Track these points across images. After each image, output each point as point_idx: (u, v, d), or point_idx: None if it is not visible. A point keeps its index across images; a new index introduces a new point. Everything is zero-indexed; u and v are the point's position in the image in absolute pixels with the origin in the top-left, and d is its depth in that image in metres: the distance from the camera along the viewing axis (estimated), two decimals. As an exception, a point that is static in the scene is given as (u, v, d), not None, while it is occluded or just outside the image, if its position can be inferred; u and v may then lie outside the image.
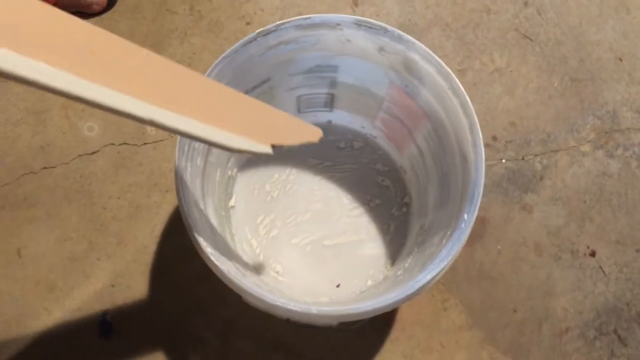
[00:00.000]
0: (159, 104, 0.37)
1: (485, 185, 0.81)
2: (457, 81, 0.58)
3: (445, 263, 0.51)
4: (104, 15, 0.92)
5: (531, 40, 0.91)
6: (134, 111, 0.35)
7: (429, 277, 0.51)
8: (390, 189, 0.76)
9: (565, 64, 0.90)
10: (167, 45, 0.89)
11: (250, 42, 0.60)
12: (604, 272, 0.77)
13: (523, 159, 0.83)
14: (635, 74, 0.89)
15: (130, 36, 0.89)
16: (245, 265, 0.68)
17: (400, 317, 0.74)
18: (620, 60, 0.90)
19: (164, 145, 0.82)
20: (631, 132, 0.86)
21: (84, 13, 0.91)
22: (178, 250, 0.76)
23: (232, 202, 0.74)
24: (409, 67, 0.62)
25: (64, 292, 0.74)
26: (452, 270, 0.76)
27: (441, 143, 0.64)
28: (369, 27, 0.61)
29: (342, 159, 0.77)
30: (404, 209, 0.75)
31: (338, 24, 0.61)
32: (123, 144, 0.82)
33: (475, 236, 0.78)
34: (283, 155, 0.77)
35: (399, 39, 0.60)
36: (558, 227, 0.79)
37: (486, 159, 0.82)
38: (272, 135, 0.49)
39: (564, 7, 0.94)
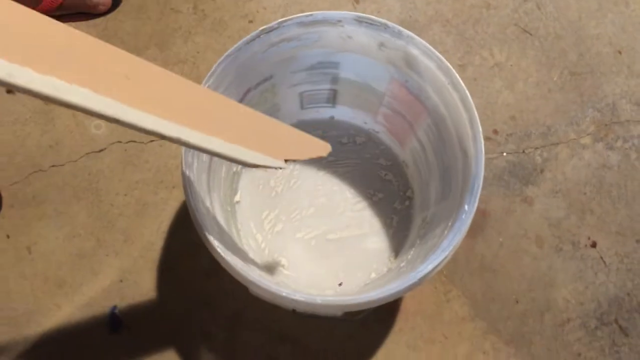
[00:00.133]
0: (186, 124, 0.40)
1: (486, 178, 0.82)
2: (457, 76, 0.59)
3: (446, 253, 0.52)
4: (109, 16, 0.93)
5: (531, 34, 0.92)
6: (166, 132, 0.38)
7: (430, 267, 0.52)
8: (393, 183, 0.77)
9: (565, 57, 0.91)
10: (171, 45, 0.90)
11: (253, 39, 0.61)
12: (604, 262, 0.78)
13: (524, 152, 0.84)
14: (634, 66, 0.90)
15: (135, 36, 0.91)
16: (251, 259, 0.69)
17: (403, 309, 0.75)
18: (620, 53, 0.91)
19: (169, 143, 0.83)
20: (630, 125, 0.86)
21: (89, 14, 0.92)
22: (185, 246, 0.77)
23: (237, 198, 0.75)
24: (410, 63, 0.63)
25: (73, 288, 0.76)
26: (455, 262, 0.77)
27: (442, 137, 0.65)
28: (370, 24, 0.62)
29: (345, 154, 0.79)
30: (407, 203, 0.76)
31: (339, 21, 0.62)
32: (130, 141, 0.83)
33: (477, 229, 0.79)
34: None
35: (399, 35, 0.61)
36: (559, 219, 0.80)
37: (487, 153, 0.84)
38: (285, 150, 0.52)
39: (563, 2, 0.95)
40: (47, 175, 0.81)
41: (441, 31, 0.92)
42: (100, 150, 0.83)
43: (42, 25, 0.32)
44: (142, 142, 0.83)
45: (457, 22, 0.93)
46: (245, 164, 0.48)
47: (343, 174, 0.77)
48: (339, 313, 0.54)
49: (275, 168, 0.51)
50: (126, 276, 0.76)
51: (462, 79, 0.59)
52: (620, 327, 0.75)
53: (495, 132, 0.85)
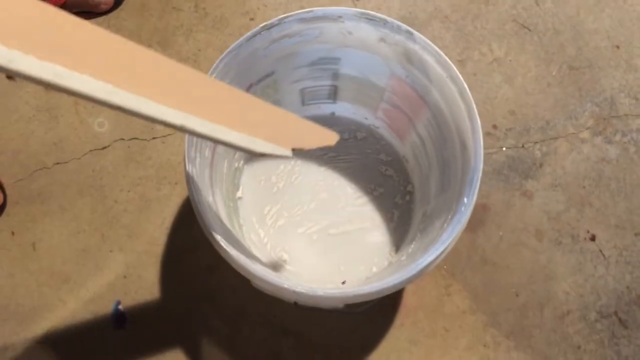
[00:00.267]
0: (189, 111, 0.40)
1: (486, 173, 0.83)
2: (456, 70, 0.59)
3: (446, 245, 0.53)
4: (111, 14, 0.94)
5: (529, 30, 0.93)
6: (169, 119, 0.38)
7: (430, 259, 0.52)
8: (394, 178, 0.78)
9: (563, 52, 0.91)
10: (172, 42, 0.91)
11: (254, 36, 0.61)
12: (604, 255, 0.79)
13: (523, 146, 0.85)
14: (632, 61, 0.91)
15: (137, 34, 0.92)
16: (253, 254, 0.70)
17: (405, 303, 0.75)
18: (618, 48, 0.92)
19: (172, 139, 0.84)
20: (629, 118, 0.87)
21: (91, 12, 0.93)
22: (188, 242, 0.78)
23: (239, 194, 0.76)
24: (409, 58, 0.64)
25: (78, 284, 0.76)
26: (455, 256, 0.78)
27: (441, 131, 0.65)
28: (370, 19, 0.63)
29: (346, 149, 0.79)
30: (407, 197, 0.77)
31: (340, 17, 0.63)
32: (133, 138, 0.84)
33: (477, 223, 0.80)
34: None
35: (399, 30, 0.62)
36: (558, 213, 0.81)
37: (487, 147, 0.84)
38: (292, 139, 0.51)
39: (561, -3, 0.96)
40: (51, 173, 0.82)
41: (440, 27, 0.93)
42: (104, 148, 0.84)
43: (44, 12, 0.31)
44: (145, 140, 0.84)
45: (456, 18, 0.93)
46: (252, 153, 0.47)
47: (344, 169, 0.78)
48: (341, 305, 0.55)
49: (283, 157, 0.51)
50: (130, 271, 0.77)
51: (461, 74, 0.60)
52: (619, 319, 0.76)
53: (495, 127, 0.86)
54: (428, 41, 0.61)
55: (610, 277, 0.78)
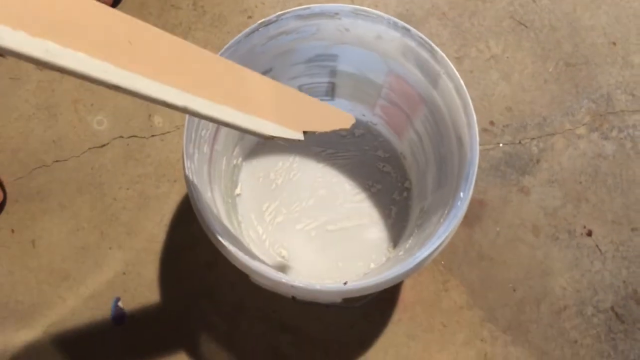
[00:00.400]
0: (194, 92, 0.38)
1: (483, 169, 0.83)
2: (452, 65, 0.60)
3: (442, 239, 0.53)
4: (109, 13, 0.94)
5: (526, 27, 0.93)
6: (169, 99, 0.36)
7: (427, 252, 0.53)
8: (391, 174, 0.78)
9: (560, 49, 0.92)
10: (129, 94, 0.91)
11: (252, 32, 0.62)
12: (600, 251, 0.79)
13: (520, 142, 0.85)
14: (629, 57, 0.91)
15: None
16: (251, 250, 0.70)
17: (403, 298, 0.76)
18: (614, 44, 0.92)
19: (171, 137, 0.84)
20: (625, 115, 0.87)
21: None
22: (186, 239, 0.79)
23: (238, 190, 0.76)
24: (406, 54, 0.64)
25: (77, 281, 0.77)
26: (453, 252, 0.78)
27: (438, 127, 0.66)
28: (366, 16, 0.63)
29: (344, 146, 0.80)
30: (405, 194, 0.77)
31: (337, 13, 0.63)
32: (132, 136, 0.84)
33: (475, 218, 0.80)
34: (286, 144, 0.79)
35: (395, 27, 0.62)
36: (555, 208, 0.81)
37: (484, 144, 0.85)
38: (304, 121, 0.50)
39: (558, -6, 0.96)
40: (50, 170, 0.82)
41: (438, 24, 0.93)
42: (103, 146, 0.84)
43: None
44: (144, 137, 0.85)
45: (454, 15, 0.94)
46: (261, 136, 0.45)
47: (342, 166, 0.78)
48: (339, 300, 0.55)
49: (293, 140, 0.48)
50: (129, 268, 0.77)
51: (458, 71, 0.60)
52: (616, 314, 0.76)
53: (492, 123, 0.86)
54: (425, 38, 0.61)
55: (606, 272, 0.78)
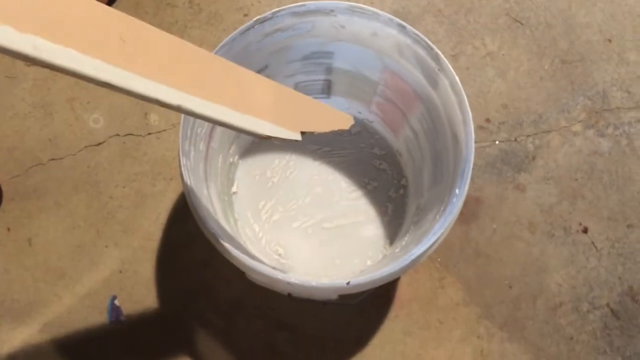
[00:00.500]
0: (188, 90, 0.37)
1: (480, 166, 0.83)
2: (447, 62, 0.60)
3: (438, 235, 0.54)
4: (105, 11, 0.94)
5: (522, 24, 0.93)
6: (163, 98, 0.36)
7: (422, 249, 0.53)
8: (388, 172, 0.78)
9: (556, 46, 0.92)
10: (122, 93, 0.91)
11: (248, 29, 0.62)
12: (596, 247, 0.79)
13: (516, 140, 0.86)
14: (624, 54, 0.91)
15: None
16: (248, 248, 0.70)
17: (399, 295, 0.76)
18: (609, 41, 0.92)
19: (167, 135, 0.84)
20: (621, 112, 0.88)
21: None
22: (183, 236, 0.79)
23: (234, 188, 0.76)
24: (401, 51, 0.64)
25: (73, 279, 0.77)
26: (449, 249, 0.78)
27: (434, 123, 0.66)
28: (362, 13, 0.63)
29: (340, 144, 0.80)
30: (401, 191, 0.77)
31: (332, 10, 0.63)
32: (128, 134, 0.84)
33: (471, 216, 0.80)
34: (283, 143, 0.79)
35: (390, 23, 0.62)
36: (551, 205, 0.81)
37: (480, 141, 0.85)
38: (302, 122, 0.49)
39: (553, -9, 0.96)
40: (46, 169, 0.82)
41: (434, 21, 0.93)
42: (99, 144, 0.84)
43: None
44: (140, 135, 0.84)
45: (450, 12, 0.94)
46: (257, 136, 0.45)
47: (338, 163, 0.79)
48: (334, 296, 0.55)
49: (290, 140, 0.47)
50: (126, 266, 0.77)
51: (454, 68, 0.60)
52: (611, 310, 0.76)
53: (488, 120, 0.86)
54: (420, 34, 0.61)
55: (602, 268, 0.78)
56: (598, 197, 0.82)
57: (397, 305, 0.76)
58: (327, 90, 0.78)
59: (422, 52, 0.62)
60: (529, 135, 0.86)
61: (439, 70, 0.61)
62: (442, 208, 0.58)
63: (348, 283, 0.52)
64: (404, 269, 0.53)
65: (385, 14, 0.62)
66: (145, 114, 0.86)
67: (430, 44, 0.61)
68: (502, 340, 0.74)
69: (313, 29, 0.66)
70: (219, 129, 0.67)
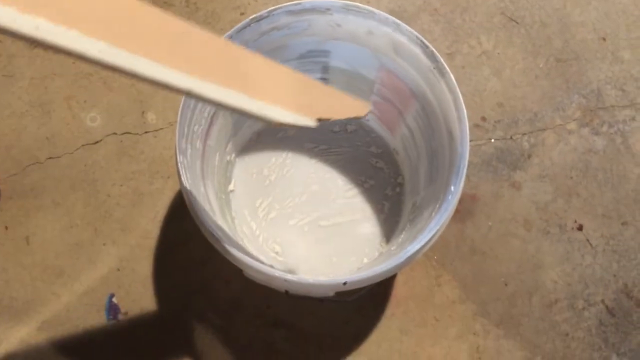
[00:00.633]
0: (199, 74, 0.36)
1: (475, 164, 0.84)
2: (442, 60, 0.60)
3: (433, 233, 0.54)
4: (102, 10, 0.94)
5: (517, 23, 0.94)
6: (171, 82, 0.34)
7: (418, 246, 0.54)
8: (384, 170, 0.79)
9: (551, 45, 0.92)
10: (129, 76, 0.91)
11: (244, 28, 0.62)
12: (591, 245, 0.80)
13: (511, 138, 0.86)
14: (619, 53, 0.92)
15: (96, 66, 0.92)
16: (245, 246, 0.71)
17: (396, 293, 0.76)
18: (604, 40, 0.93)
19: (164, 133, 0.85)
20: (615, 110, 0.88)
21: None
22: (180, 235, 0.79)
23: (231, 187, 0.77)
24: (397, 49, 0.65)
25: (71, 278, 0.77)
26: (445, 247, 0.79)
27: (429, 121, 0.66)
28: (358, 11, 0.64)
29: (337, 142, 0.80)
30: (397, 189, 0.78)
31: (328, 9, 0.64)
32: (125, 133, 0.85)
33: (466, 214, 0.81)
34: (280, 140, 0.80)
35: (386, 22, 0.63)
36: (546, 203, 0.82)
37: (475, 139, 0.85)
38: (317, 108, 0.47)
39: (549, -10, 0.97)
40: (44, 167, 0.83)
41: (430, 20, 0.94)
42: (96, 142, 0.84)
43: None
44: (137, 134, 0.85)
45: (445, 11, 0.94)
46: (271, 122, 0.43)
47: (335, 161, 0.79)
48: (331, 293, 0.56)
49: (305, 127, 0.46)
50: (123, 265, 0.77)
51: (450, 67, 0.61)
52: (606, 307, 0.77)
53: (484, 119, 0.87)
54: (415, 33, 0.62)
55: (597, 265, 0.79)
56: (593, 194, 0.83)
57: (393, 303, 0.76)
58: (323, 88, 0.78)
59: (417, 51, 0.63)
60: (525, 134, 0.86)
61: (434, 68, 0.62)
62: (437, 206, 0.59)
63: (345, 283, 0.53)
64: (400, 266, 0.53)
65: (381, 12, 0.63)
66: (143, 112, 0.86)
67: (426, 42, 0.61)
68: (497, 337, 0.75)
69: (309, 28, 0.67)
70: (215, 126, 0.67)
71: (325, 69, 0.74)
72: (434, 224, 0.55)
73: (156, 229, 0.79)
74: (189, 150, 0.60)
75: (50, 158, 0.83)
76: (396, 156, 0.79)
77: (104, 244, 0.78)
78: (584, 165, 0.84)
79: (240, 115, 0.42)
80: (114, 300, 0.76)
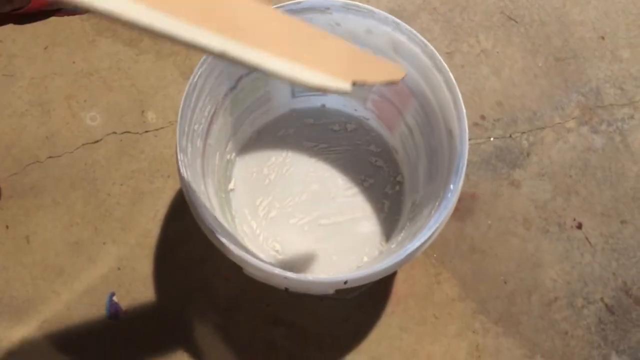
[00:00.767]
0: (233, 36, 0.35)
1: (475, 163, 0.84)
2: (441, 59, 0.61)
3: (433, 230, 0.54)
4: (102, 10, 0.94)
5: (516, 22, 0.94)
6: (207, 44, 0.34)
7: (417, 244, 0.54)
8: (384, 169, 0.79)
9: (550, 44, 0.93)
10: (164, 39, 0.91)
11: (243, 27, 0.62)
12: (590, 243, 0.80)
13: (510, 136, 0.86)
14: (617, 52, 0.92)
15: (130, 30, 0.92)
16: (245, 244, 0.71)
17: (396, 291, 0.77)
18: (603, 38, 0.93)
19: (164, 133, 0.85)
20: (614, 108, 0.89)
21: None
22: (180, 234, 0.79)
23: (231, 186, 0.77)
24: (396, 48, 0.65)
25: (71, 276, 0.77)
26: (445, 245, 0.79)
27: (428, 120, 0.67)
28: (357, 10, 0.64)
29: (337, 141, 0.80)
30: (397, 188, 0.78)
31: (327, 8, 0.64)
32: (125, 132, 0.85)
33: (466, 212, 0.81)
34: (280, 139, 0.80)
35: (385, 21, 0.63)
36: (545, 201, 0.82)
37: (475, 138, 0.86)
38: (352, 71, 0.45)
39: (548, -10, 0.97)
40: (44, 167, 0.83)
41: (429, 19, 0.94)
42: (96, 142, 0.84)
43: None
44: (137, 133, 0.85)
45: (445, 10, 0.95)
46: (306, 86, 0.41)
47: (335, 160, 0.79)
48: (331, 291, 0.56)
49: (340, 92, 0.44)
50: (124, 263, 0.78)
51: (449, 66, 0.61)
52: (606, 305, 0.77)
53: (483, 117, 0.87)
54: (414, 32, 0.62)
55: (596, 264, 0.79)
56: (592, 193, 0.83)
57: (393, 301, 0.76)
58: (323, 87, 0.78)
59: (417, 50, 0.63)
60: (524, 132, 0.86)
61: (433, 67, 0.62)
62: (437, 204, 0.59)
63: (346, 281, 0.53)
64: (400, 264, 0.54)
65: (381, 11, 0.63)
66: (142, 111, 0.86)
67: (425, 41, 0.61)
68: (497, 335, 0.75)
69: (309, 27, 0.67)
70: (216, 125, 0.67)
71: (325, 67, 0.74)
72: (434, 222, 0.55)
73: (156, 227, 0.80)
74: (190, 149, 0.60)
75: (50, 157, 0.83)
76: (396, 155, 0.79)
77: (104, 243, 0.79)
78: (583, 164, 0.85)
79: (276, 79, 0.41)
80: (114, 299, 0.76)
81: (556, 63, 0.91)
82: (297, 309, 0.75)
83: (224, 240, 0.53)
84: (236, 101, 0.71)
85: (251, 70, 0.39)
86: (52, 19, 0.93)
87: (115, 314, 0.75)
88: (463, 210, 0.81)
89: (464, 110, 0.58)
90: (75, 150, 0.84)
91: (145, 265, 0.77)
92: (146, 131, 0.85)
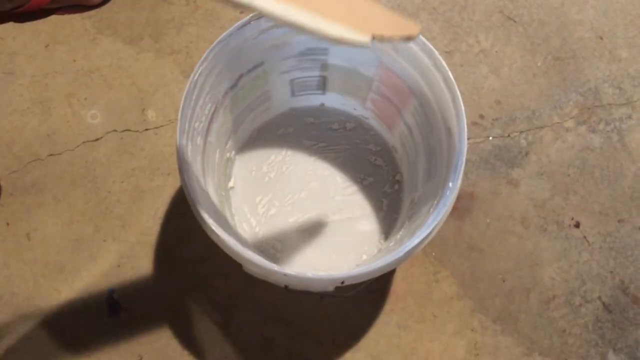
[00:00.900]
0: None
1: (473, 162, 0.84)
2: (440, 58, 0.61)
3: (431, 228, 0.54)
4: (103, 8, 0.94)
5: (515, 21, 0.94)
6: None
7: (416, 242, 0.54)
8: (383, 167, 0.79)
9: (548, 43, 0.93)
10: (164, 35, 0.92)
11: (244, 25, 0.63)
12: (588, 242, 0.80)
13: (509, 135, 0.87)
14: (616, 51, 0.93)
15: (130, 27, 0.93)
16: (245, 242, 0.71)
17: (394, 290, 0.77)
18: (601, 38, 0.94)
19: (164, 131, 0.85)
20: (612, 108, 0.89)
21: (83, 6, 0.94)
22: (180, 232, 0.79)
23: (231, 184, 0.77)
24: (396, 47, 0.65)
25: (72, 273, 0.77)
26: (443, 243, 0.79)
27: (427, 118, 0.67)
28: (357, 10, 0.64)
29: (336, 139, 0.81)
30: (396, 186, 0.78)
31: (327, 8, 0.64)
32: (125, 130, 0.85)
33: (465, 211, 0.81)
34: (279, 138, 0.80)
35: (385, 20, 0.63)
36: (543, 200, 0.82)
37: (474, 137, 0.86)
38: (371, 25, 0.45)
39: (547, -11, 0.97)
40: (45, 164, 0.83)
41: (428, 19, 0.94)
42: (97, 139, 0.85)
43: None
44: (138, 131, 0.85)
45: (444, 10, 0.95)
46: (327, 37, 0.42)
47: (334, 159, 0.79)
48: (330, 288, 0.56)
49: (359, 44, 0.44)
50: (124, 261, 0.78)
51: (449, 65, 0.61)
52: (603, 303, 0.78)
53: (482, 116, 0.87)
54: (414, 31, 0.62)
55: (594, 262, 0.79)
56: (590, 192, 0.83)
57: (392, 299, 0.77)
58: (322, 86, 0.79)
59: (416, 48, 0.63)
60: (522, 131, 0.87)
61: (432, 66, 0.62)
62: (435, 202, 0.59)
63: (344, 280, 0.53)
64: (398, 261, 0.54)
65: (380, 10, 0.63)
66: (143, 109, 0.86)
67: (425, 40, 0.62)
68: (495, 333, 0.75)
69: (309, 26, 0.67)
70: (216, 123, 0.68)
71: (324, 66, 0.75)
72: (432, 220, 0.55)
73: (156, 225, 0.80)
74: (190, 147, 0.60)
75: (51, 155, 0.84)
76: (395, 153, 0.79)
77: (105, 241, 0.79)
78: (581, 163, 0.85)
79: (297, 30, 0.42)
80: (114, 296, 0.76)
81: (555, 62, 0.91)
82: (297, 306, 0.76)
83: (224, 237, 0.53)
84: (236, 99, 0.71)
85: (274, 21, 0.40)
86: (53, 17, 0.93)
87: (115, 311, 0.75)
88: (462, 209, 0.81)
89: (463, 109, 0.59)
90: (75, 148, 0.84)
91: (145, 263, 0.78)
92: (146, 129, 0.85)
